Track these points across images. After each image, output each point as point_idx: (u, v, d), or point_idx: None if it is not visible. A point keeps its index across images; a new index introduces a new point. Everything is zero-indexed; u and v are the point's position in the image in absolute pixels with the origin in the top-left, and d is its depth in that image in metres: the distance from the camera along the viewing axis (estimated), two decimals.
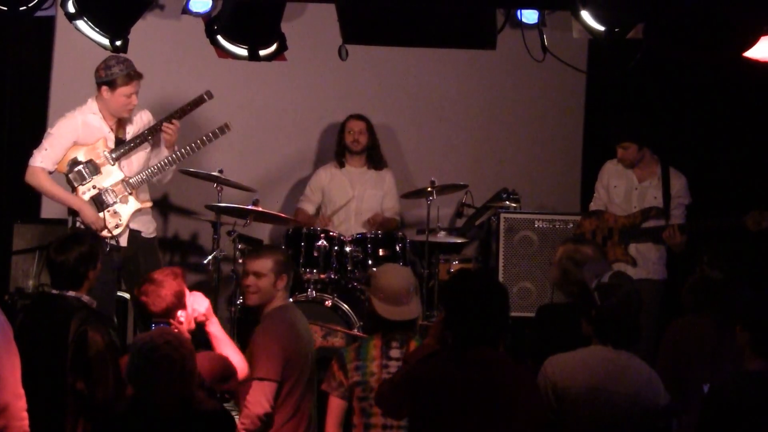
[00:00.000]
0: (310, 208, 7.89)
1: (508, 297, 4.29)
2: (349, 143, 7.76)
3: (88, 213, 6.45)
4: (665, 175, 6.98)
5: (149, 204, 6.62)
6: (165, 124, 6.49)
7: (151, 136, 6.54)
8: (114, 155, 6.51)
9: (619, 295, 4.38)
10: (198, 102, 6.56)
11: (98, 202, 6.50)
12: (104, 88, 6.40)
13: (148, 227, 6.69)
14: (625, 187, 7.05)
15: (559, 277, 5.18)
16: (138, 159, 6.61)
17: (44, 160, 6.44)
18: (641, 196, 7.02)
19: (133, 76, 6.38)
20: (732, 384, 4.32)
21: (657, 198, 6.98)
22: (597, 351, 4.38)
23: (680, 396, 4.92)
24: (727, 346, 4.93)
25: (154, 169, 6.58)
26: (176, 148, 6.60)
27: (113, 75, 6.37)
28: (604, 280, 4.44)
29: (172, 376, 3.93)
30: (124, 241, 6.56)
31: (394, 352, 4.84)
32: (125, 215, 6.53)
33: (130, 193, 6.54)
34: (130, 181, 6.54)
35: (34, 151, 6.47)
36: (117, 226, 6.47)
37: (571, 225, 7.47)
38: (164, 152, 6.62)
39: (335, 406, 4.89)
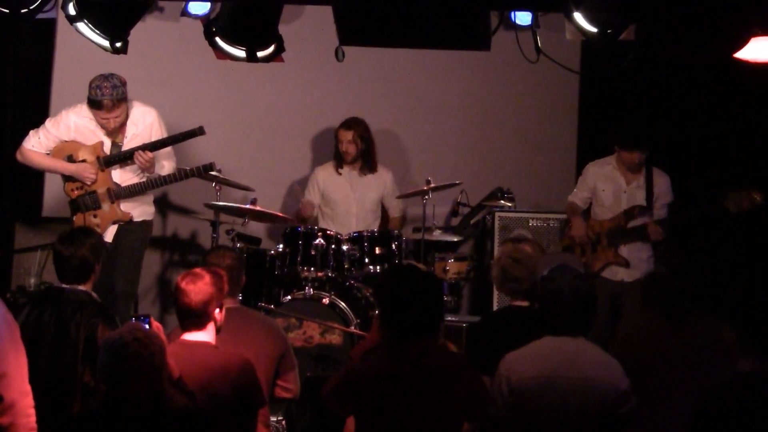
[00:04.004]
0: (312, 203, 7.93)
1: (442, 288, 4.29)
2: (342, 153, 7.75)
3: (76, 169, 6.53)
4: (648, 175, 7.01)
5: (129, 216, 6.66)
6: (138, 152, 6.52)
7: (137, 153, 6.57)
8: (105, 162, 6.58)
9: (551, 288, 4.36)
10: (190, 135, 6.61)
11: (82, 204, 6.57)
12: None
13: (139, 212, 6.74)
14: (613, 190, 7.08)
15: (498, 276, 5.13)
16: (132, 168, 6.67)
17: (36, 145, 6.60)
18: (630, 197, 7.05)
19: (107, 105, 6.40)
20: (723, 388, 4.17)
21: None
22: (547, 341, 4.37)
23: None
24: (676, 341, 4.95)
25: (139, 186, 6.64)
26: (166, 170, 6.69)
27: (89, 95, 6.45)
28: (544, 273, 4.47)
29: (141, 372, 3.86)
30: (109, 238, 6.61)
31: None
32: (104, 222, 6.60)
33: (113, 203, 6.61)
34: (116, 191, 6.60)
35: (30, 132, 6.62)
36: (97, 226, 6.54)
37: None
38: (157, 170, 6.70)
39: None
